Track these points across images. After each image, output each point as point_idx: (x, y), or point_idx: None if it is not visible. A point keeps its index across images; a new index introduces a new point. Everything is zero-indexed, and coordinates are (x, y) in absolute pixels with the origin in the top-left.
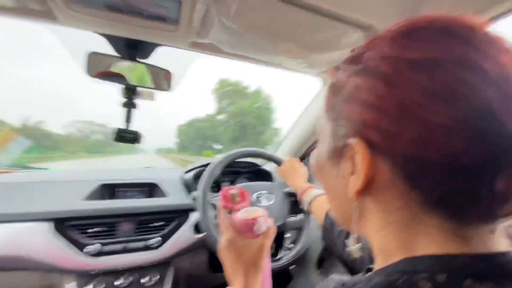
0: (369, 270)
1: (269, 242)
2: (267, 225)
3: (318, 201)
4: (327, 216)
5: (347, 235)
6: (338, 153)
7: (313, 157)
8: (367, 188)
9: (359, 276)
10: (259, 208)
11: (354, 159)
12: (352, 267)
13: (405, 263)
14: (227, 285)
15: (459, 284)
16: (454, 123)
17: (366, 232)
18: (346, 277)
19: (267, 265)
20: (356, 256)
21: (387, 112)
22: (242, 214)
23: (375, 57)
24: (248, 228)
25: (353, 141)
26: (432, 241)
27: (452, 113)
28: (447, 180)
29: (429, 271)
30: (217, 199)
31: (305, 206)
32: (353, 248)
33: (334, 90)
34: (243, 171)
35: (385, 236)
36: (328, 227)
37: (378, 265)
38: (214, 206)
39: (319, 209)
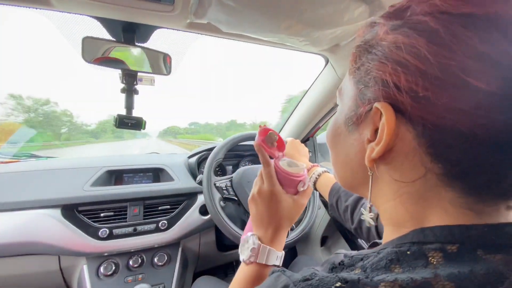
0: (375, 244)
1: (307, 200)
2: (308, 183)
3: (323, 178)
4: (332, 191)
5: (353, 209)
6: (359, 118)
7: (329, 126)
8: (384, 156)
9: (367, 250)
10: (301, 163)
11: (376, 125)
12: (357, 240)
13: (415, 234)
14: (234, 264)
15: (470, 255)
16: (502, 93)
17: (376, 201)
18: (354, 251)
19: None
20: (372, 224)
21: (427, 75)
22: (286, 166)
23: (422, 10)
24: (292, 184)
25: (380, 105)
26: (444, 214)
27: (503, 81)
28: (477, 154)
29: (440, 242)
30: (222, 181)
31: (310, 185)
32: (367, 217)
33: (366, 48)
34: (246, 154)
35: (396, 206)
36: (334, 203)
37: (387, 235)
38: (218, 189)
39: (324, 186)
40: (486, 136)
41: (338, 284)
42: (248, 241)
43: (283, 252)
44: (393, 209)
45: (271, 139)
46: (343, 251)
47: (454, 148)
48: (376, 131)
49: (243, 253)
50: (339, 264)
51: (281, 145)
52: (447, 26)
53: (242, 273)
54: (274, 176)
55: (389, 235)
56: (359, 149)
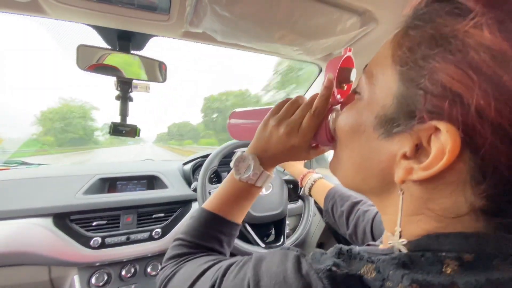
0: (369, 245)
1: (315, 156)
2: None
3: (318, 185)
4: (327, 198)
5: (348, 214)
6: (399, 127)
7: (347, 114)
8: (420, 180)
9: (371, 247)
10: None
11: (420, 139)
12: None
13: (429, 239)
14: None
15: (486, 265)
16: None
17: (385, 209)
18: (358, 247)
19: None
20: (403, 251)
21: None
22: (331, 122)
23: None
24: (323, 142)
25: (444, 126)
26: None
27: None
28: None
29: (456, 250)
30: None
31: (305, 191)
32: (399, 245)
33: (434, 36)
34: None
35: (408, 223)
36: (329, 209)
37: (390, 237)
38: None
39: (319, 193)
40: None
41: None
42: (249, 162)
43: (273, 175)
44: (406, 225)
45: (346, 77)
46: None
47: (508, 189)
48: (417, 146)
49: (240, 172)
50: (347, 252)
51: (347, 91)
52: None
53: (231, 188)
54: (315, 128)
55: (393, 237)
56: (386, 159)
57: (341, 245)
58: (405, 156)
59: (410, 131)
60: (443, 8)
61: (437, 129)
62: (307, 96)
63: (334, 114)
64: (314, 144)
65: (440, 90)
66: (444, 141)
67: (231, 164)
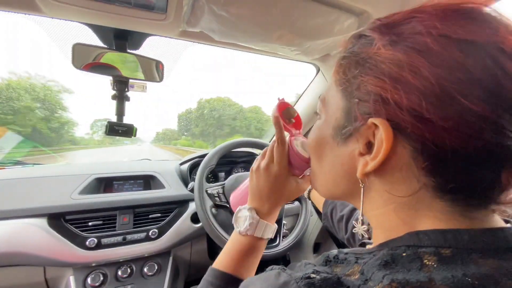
0: (363, 245)
1: (308, 186)
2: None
3: None
4: (326, 202)
5: (348, 219)
6: (349, 132)
7: (311, 135)
8: (376, 171)
9: (359, 248)
10: None
11: (369, 138)
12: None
13: (409, 237)
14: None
15: (463, 259)
16: (491, 115)
17: (365, 207)
18: (347, 249)
19: None
20: (365, 236)
21: (427, 94)
22: (300, 147)
23: (422, 31)
24: (301, 168)
25: (378, 121)
26: (436, 220)
27: (493, 105)
28: (469, 170)
29: (434, 245)
30: (214, 188)
31: (305, 194)
32: (360, 230)
33: (357, 60)
34: (239, 160)
35: (386, 214)
36: (329, 213)
37: (377, 237)
38: (210, 196)
39: (319, 197)
40: (475, 154)
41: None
42: (245, 214)
43: (276, 225)
44: (384, 216)
45: (289, 114)
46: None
47: (449, 165)
48: (367, 144)
49: (239, 225)
50: (334, 258)
51: (298, 123)
52: (447, 49)
53: (236, 243)
54: (286, 156)
55: (379, 237)
56: (347, 161)
57: (328, 252)
58: (361, 154)
59: (359, 133)
60: (360, 41)
61: (376, 126)
62: (303, 97)
63: (298, 141)
64: (298, 174)
65: (367, 96)
66: (381, 133)
67: (233, 221)
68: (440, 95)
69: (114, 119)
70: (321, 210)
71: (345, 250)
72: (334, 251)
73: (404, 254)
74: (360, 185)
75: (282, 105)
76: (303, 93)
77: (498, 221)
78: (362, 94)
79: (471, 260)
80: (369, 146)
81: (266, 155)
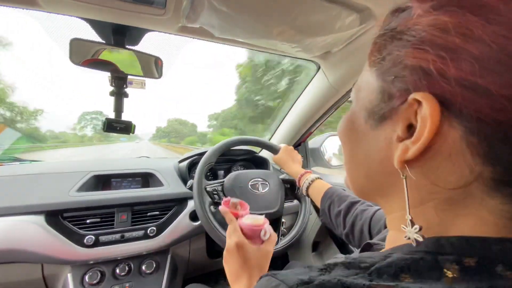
0: (368, 245)
1: (272, 248)
2: (270, 232)
3: (316, 184)
4: (324, 197)
5: (346, 214)
6: (385, 113)
7: (342, 121)
8: (418, 158)
9: (370, 253)
10: (261, 216)
11: (409, 120)
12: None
13: (430, 242)
14: (224, 272)
15: (489, 270)
16: None
17: (392, 205)
18: (355, 254)
19: None
20: (420, 240)
21: (485, 60)
22: (248, 220)
23: None
24: (256, 234)
25: (420, 95)
26: (478, 223)
27: None
28: None
29: (457, 253)
30: (213, 186)
31: (303, 191)
32: (412, 234)
33: (392, 35)
34: (238, 158)
35: (422, 213)
36: (326, 208)
37: (393, 239)
38: (209, 194)
39: (316, 192)
40: None
41: None
42: None
43: None
44: (419, 216)
45: (234, 205)
46: (341, 255)
47: (509, 146)
48: (408, 127)
49: None
50: (336, 264)
51: (243, 206)
52: (508, 3)
53: None
54: (238, 230)
55: (395, 239)
56: (383, 148)
57: (334, 259)
58: (400, 139)
59: (397, 114)
60: (398, 15)
61: (418, 103)
62: (303, 95)
63: (244, 217)
64: (259, 242)
65: (408, 71)
66: (425, 110)
67: None
68: (501, 58)
69: (104, 111)
70: (319, 206)
71: (353, 255)
72: (340, 256)
73: (422, 260)
74: (401, 176)
75: (226, 202)
76: (303, 91)
77: None
78: (399, 69)
79: (497, 272)
80: (410, 129)
81: (226, 240)
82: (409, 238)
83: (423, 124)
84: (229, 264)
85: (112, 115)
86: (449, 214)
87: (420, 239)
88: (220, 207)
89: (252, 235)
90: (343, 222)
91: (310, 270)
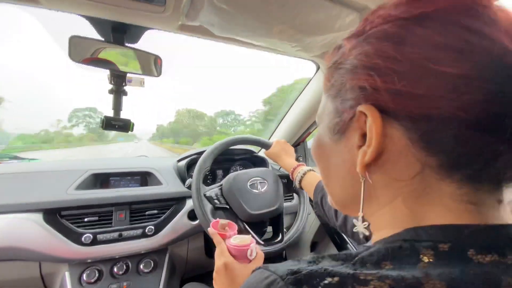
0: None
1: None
2: (257, 251)
3: (308, 176)
4: (316, 189)
5: None
6: (342, 127)
7: (313, 142)
8: (376, 160)
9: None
10: (248, 236)
11: (363, 129)
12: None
13: (407, 233)
14: None
15: (462, 254)
16: (471, 73)
17: (369, 209)
18: (343, 251)
19: None
20: (366, 234)
21: (399, 72)
22: (235, 241)
23: (380, 21)
24: (242, 254)
25: (363, 107)
26: (445, 211)
27: (468, 63)
28: (466, 139)
29: (432, 240)
30: (212, 191)
31: (296, 184)
32: (361, 228)
33: (336, 66)
34: (237, 158)
35: (394, 208)
36: (319, 200)
37: (378, 238)
38: (208, 199)
39: (309, 184)
40: (469, 118)
41: (328, 280)
42: None
43: None
44: (392, 211)
45: (222, 226)
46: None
47: (444, 136)
48: (363, 136)
49: None
50: (323, 257)
51: (232, 226)
52: (405, 28)
53: None
54: (225, 251)
55: (381, 236)
56: (348, 157)
57: (320, 255)
58: (358, 146)
59: (352, 127)
60: (337, 52)
61: (364, 114)
62: (303, 94)
63: (231, 238)
64: (247, 261)
65: (350, 91)
66: (369, 119)
67: None
68: (411, 68)
69: (97, 107)
70: (312, 198)
71: (342, 252)
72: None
73: (400, 247)
74: (361, 179)
75: (215, 223)
76: (302, 91)
77: (505, 217)
78: (344, 92)
79: (469, 256)
80: (365, 137)
81: (215, 262)
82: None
83: (370, 130)
84: (218, 284)
85: (105, 112)
86: (417, 206)
87: (367, 232)
88: (209, 229)
89: (239, 255)
90: (335, 214)
91: (300, 262)
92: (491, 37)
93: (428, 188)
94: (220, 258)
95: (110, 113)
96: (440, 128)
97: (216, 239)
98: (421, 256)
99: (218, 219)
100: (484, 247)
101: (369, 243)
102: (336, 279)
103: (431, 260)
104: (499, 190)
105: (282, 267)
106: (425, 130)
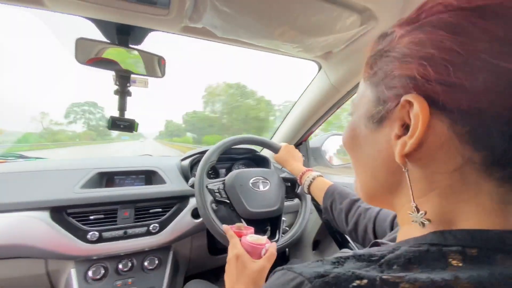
0: (375, 244)
1: (269, 265)
2: (271, 250)
3: (317, 182)
4: (326, 195)
5: (347, 212)
6: (382, 115)
7: (345, 131)
8: (416, 152)
9: (378, 247)
10: (264, 236)
11: (404, 119)
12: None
13: (434, 236)
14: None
15: (490, 259)
16: None
17: (399, 201)
18: (362, 250)
19: None
20: (427, 223)
21: (455, 64)
22: (251, 238)
23: (438, 10)
24: (257, 252)
25: (410, 96)
26: (479, 210)
27: None
28: (511, 134)
29: (460, 245)
30: (214, 184)
31: (305, 189)
32: (419, 218)
33: (381, 54)
34: (240, 157)
35: (428, 202)
36: (328, 206)
37: (403, 234)
38: (210, 191)
39: (318, 190)
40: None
41: (356, 282)
42: None
43: None
44: (424, 205)
45: (239, 228)
46: (348, 250)
47: (493, 132)
48: (403, 126)
49: None
50: (346, 258)
51: (248, 228)
52: (466, 18)
53: None
54: (237, 244)
55: (405, 233)
56: (384, 147)
57: (340, 253)
58: (397, 137)
59: (393, 116)
60: (384, 39)
61: (409, 103)
62: (305, 95)
63: (248, 236)
64: (258, 257)
65: (397, 80)
66: (415, 109)
67: None
68: (468, 60)
69: (94, 103)
70: (321, 204)
71: (361, 250)
72: (348, 251)
73: (428, 251)
74: (403, 169)
75: (234, 226)
76: (304, 91)
77: None
78: (389, 79)
79: (498, 260)
80: (406, 128)
81: (228, 251)
82: (416, 222)
83: (415, 120)
84: (228, 274)
85: (107, 107)
86: (451, 201)
87: (426, 222)
88: (223, 226)
89: (253, 252)
90: (345, 219)
91: (323, 264)
92: None
93: (466, 184)
94: (233, 250)
95: (110, 106)
96: (489, 124)
97: (229, 233)
98: (450, 260)
99: (237, 224)
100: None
101: (388, 237)
102: (364, 281)
103: (460, 264)
104: None
105: (308, 269)
106: (473, 124)
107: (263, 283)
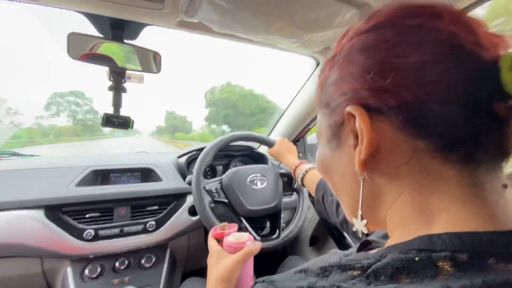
0: (366, 243)
1: (243, 259)
2: (250, 247)
3: (310, 174)
4: (318, 187)
5: (338, 203)
6: (336, 133)
7: (316, 160)
8: (373, 157)
9: (365, 253)
10: (246, 234)
11: (354, 130)
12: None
13: (422, 241)
14: None
15: (482, 264)
16: (432, 58)
17: (380, 210)
18: (349, 251)
19: (248, 267)
20: (365, 232)
21: (370, 71)
22: (232, 238)
23: (347, 40)
24: (237, 251)
25: (349, 108)
26: (450, 198)
27: (426, 51)
28: (448, 116)
29: (449, 250)
30: (211, 184)
31: (298, 181)
32: (360, 226)
33: (321, 87)
34: (237, 154)
35: (402, 203)
36: (320, 197)
37: (392, 241)
38: (208, 192)
39: (310, 182)
40: (448, 96)
41: None
42: None
43: None
44: (402, 206)
45: (222, 227)
46: (338, 251)
47: (429, 119)
48: (356, 136)
49: None
50: (331, 267)
51: (232, 226)
52: (366, 39)
53: None
54: (213, 244)
55: (395, 239)
56: (348, 162)
57: (328, 259)
58: (354, 147)
59: (345, 131)
60: (319, 77)
61: (352, 115)
62: (302, 91)
63: (230, 235)
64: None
65: (336, 101)
66: (357, 117)
67: None
68: (379, 67)
69: (82, 97)
70: (314, 195)
71: (348, 257)
72: (336, 251)
73: (417, 258)
74: (359, 178)
75: (215, 228)
76: (302, 87)
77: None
78: (332, 102)
79: (489, 265)
80: (357, 138)
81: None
82: (357, 230)
83: (360, 127)
84: (209, 268)
85: (95, 98)
86: (424, 195)
87: (366, 230)
88: (213, 234)
89: (234, 252)
90: (336, 211)
91: (307, 275)
92: (439, 28)
93: (430, 175)
94: (210, 251)
95: (101, 98)
96: (423, 112)
97: (209, 235)
98: (439, 267)
99: (222, 224)
100: (504, 255)
101: (378, 233)
102: None
103: (450, 271)
104: (500, 171)
105: (290, 283)
106: (407, 116)
107: (236, 275)
